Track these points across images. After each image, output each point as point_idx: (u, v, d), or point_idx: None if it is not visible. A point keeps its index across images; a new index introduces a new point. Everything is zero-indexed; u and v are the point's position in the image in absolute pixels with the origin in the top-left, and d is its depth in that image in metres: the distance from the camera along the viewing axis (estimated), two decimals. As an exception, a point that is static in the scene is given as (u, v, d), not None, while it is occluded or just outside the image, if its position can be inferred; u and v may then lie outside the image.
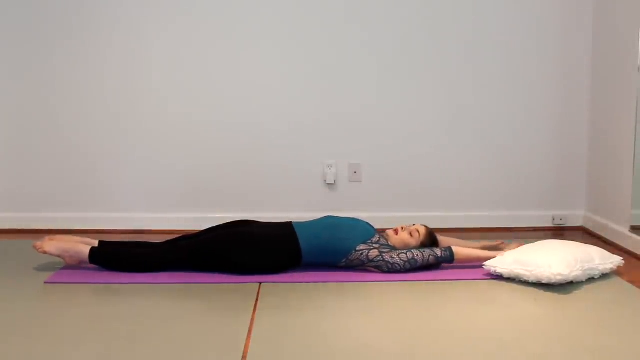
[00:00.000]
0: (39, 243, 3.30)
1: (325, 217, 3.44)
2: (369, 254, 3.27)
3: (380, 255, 3.26)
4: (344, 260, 3.30)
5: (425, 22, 4.22)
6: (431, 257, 3.28)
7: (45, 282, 3.16)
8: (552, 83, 4.29)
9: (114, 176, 4.26)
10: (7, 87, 4.21)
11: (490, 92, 4.28)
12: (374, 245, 3.29)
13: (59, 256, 3.30)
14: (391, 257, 3.26)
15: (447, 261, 3.30)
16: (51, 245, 3.28)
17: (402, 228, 3.44)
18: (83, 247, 3.29)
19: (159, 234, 3.97)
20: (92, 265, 3.31)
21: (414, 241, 3.39)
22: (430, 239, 3.44)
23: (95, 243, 3.41)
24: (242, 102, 4.23)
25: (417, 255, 3.27)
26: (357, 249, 3.27)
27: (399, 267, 3.25)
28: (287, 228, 3.34)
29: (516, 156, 4.33)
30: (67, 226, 4.16)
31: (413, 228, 3.43)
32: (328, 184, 4.26)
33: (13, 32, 4.15)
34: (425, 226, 3.46)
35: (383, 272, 3.27)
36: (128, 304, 2.91)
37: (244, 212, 3.90)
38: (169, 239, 3.48)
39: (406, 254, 3.27)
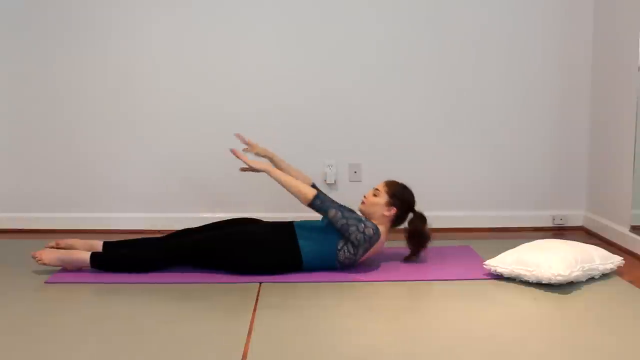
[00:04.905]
0: (37, 253, 3.28)
1: (319, 220, 3.44)
2: (349, 248, 3.26)
3: (352, 240, 3.24)
4: (337, 264, 3.31)
5: (426, 23, 4.21)
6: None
7: (45, 282, 3.17)
8: (552, 83, 4.28)
9: (114, 176, 4.26)
10: (6, 87, 4.21)
11: (490, 92, 4.28)
12: (345, 235, 3.27)
13: (58, 266, 3.30)
14: (356, 236, 3.23)
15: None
16: (49, 256, 3.27)
17: (365, 196, 3.43)
18: (83, 254, 3.28)
19: (159, 234, 3.96)
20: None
21: (381, 198, 3.37)
22: (394, 186, 3.42)
23: (100, 245, 3.41)
24: (242, 102, 4.23)
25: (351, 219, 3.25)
26: (339, 247, 3.27)
27: (360, 232, 3.23)
28: (288, 229, 3.34)
29: (516, 156, 4.33)
30: (67, 226, 4.17)
31: (373, 189, 3.43)
32: (328, 184, 4.26)
33: (11, 31, 4.15)
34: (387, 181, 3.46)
35: (366, 242, 3.24)
36: (128, 304, 2.91)
37: (243, 212, 3.89)
38: (170, 233, 3.51)
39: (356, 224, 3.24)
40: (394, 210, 3.37)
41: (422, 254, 3.52)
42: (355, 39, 4.21)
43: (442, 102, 4.28)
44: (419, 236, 3.43)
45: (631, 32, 3.75)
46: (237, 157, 3.41)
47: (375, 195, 3.40)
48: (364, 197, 3.44)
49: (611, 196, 4.03)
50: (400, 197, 3.41)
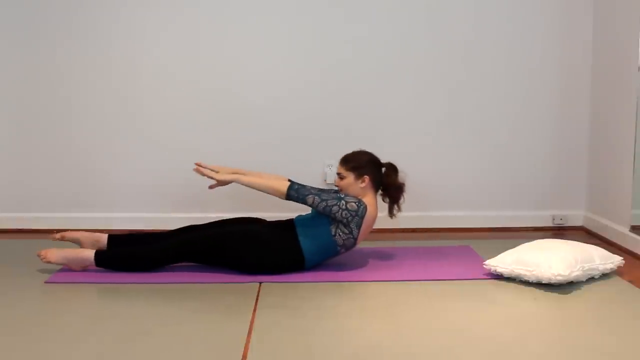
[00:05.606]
0: (42, 252, 3.29)
1: (310, 213, 3.42)
2: (342, 230, 3.24)
3: (340, 220, 3.23)
4: (339, 249, 3.30)
5: (425, 22, 4.21)
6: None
7: (45, 282, 3.17)
8: (552, 83, 4.28)
9: (114, 176, 4.26)
10: (6, 87, 4.21)
11: (490, 92, 4.28)
12: (331, 217, 3.26)
13: (63, 264, 3.30)
14: (341, 214, 3.21)
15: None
16: (54, 255, 3.27)
17: (336, 184, 3.42)
18: (88, 253, 3.28)
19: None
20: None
21: (348, 178, 3.35)
22: (350, 160, 3.39)
23: (105, 237, 3.41)
24: (242, 101, 4.23)
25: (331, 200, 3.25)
26: (332, 233, 3.26)
27: (341, 206, 3.23)
28: (290, 227, 3.34)
29: (516, 156, 4.33)
30: (68, 226, 4.14)
31: (337, 175, 3.40)
32: (328, 183, 4.26)
33: (14, 30, 4.16)
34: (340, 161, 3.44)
35: (354, 217, 3.23)
36: (128, 304, 2.91)
37: (244, 212, 3.88)
38: (175, 229, 3.49)
39: (336, 202, 3.24)
40: (367, 179, 3.35)
41: (401, 204, 3.42)
42: (357, 40, 4.21)
43: (442, 102, 4.28)
44: (392, 188, 3.39)
45: (631, 32, 3.75)
46: (202, 174, 3.36)
47: (341, 179, 3.38)
48: (335, 185, 3.44)
49: (611, 196, 4.03)
50: (362, 163, 3.38)
